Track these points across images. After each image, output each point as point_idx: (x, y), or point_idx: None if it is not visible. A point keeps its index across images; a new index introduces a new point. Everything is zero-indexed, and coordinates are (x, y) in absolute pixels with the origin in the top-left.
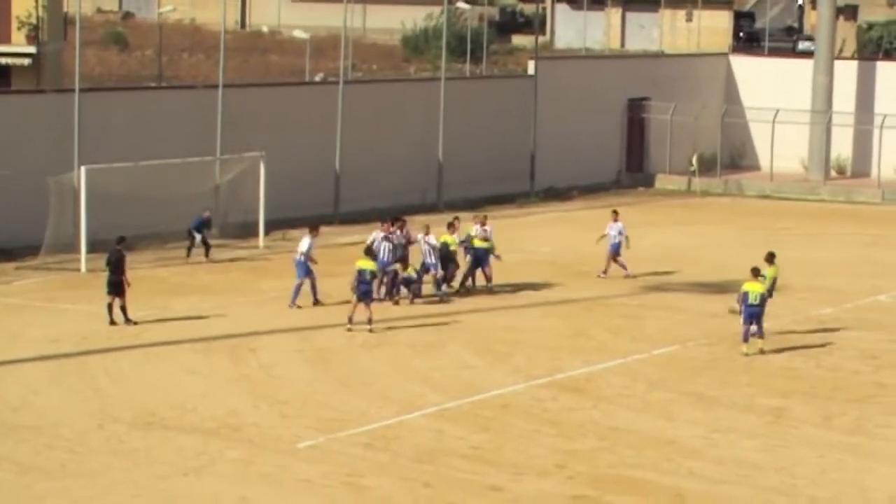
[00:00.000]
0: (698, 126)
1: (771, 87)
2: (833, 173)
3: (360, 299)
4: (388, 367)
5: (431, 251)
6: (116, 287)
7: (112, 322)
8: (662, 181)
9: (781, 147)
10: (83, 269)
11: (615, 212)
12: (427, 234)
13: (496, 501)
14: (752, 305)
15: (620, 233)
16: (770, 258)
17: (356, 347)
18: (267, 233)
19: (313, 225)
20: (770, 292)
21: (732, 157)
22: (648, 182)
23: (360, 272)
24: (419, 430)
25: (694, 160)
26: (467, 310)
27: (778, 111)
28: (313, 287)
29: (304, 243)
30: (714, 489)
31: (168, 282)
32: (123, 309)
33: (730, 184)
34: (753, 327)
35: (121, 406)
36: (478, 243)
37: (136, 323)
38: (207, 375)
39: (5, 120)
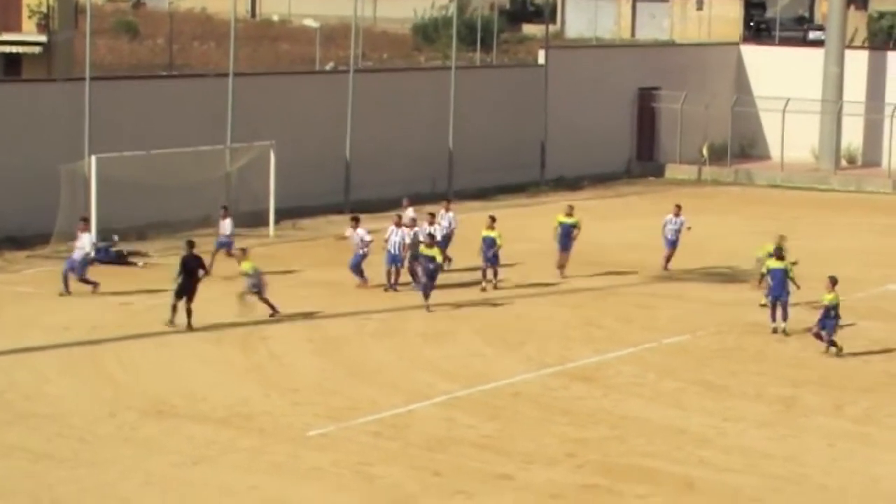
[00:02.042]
0: (709, 115)
1: (782, 77)
2: (843, 163)
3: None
4: (399, 355)
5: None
6: (188, 291)
7: (171, 322)
8: (673, 170)
9: (792, 136)
10: (93, 256)
11: (678, 206)
12: (431, 223)
13: (506, 490)
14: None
15: (679, 229)
16: (778, 254)
17: (366, 336)
18: (277, 222)
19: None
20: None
21: (743, 146)
22: (659, 171)
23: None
24: (429, 419)
25: (704, 150)
26: (478, 299)
27: (788, 101)
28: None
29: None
30: (724, 478)
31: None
32: (189, 312)
33: (740, 173)
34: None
35: (132, 395)
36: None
37: (193, 329)
38: (218, 364)
39: (16, 108)
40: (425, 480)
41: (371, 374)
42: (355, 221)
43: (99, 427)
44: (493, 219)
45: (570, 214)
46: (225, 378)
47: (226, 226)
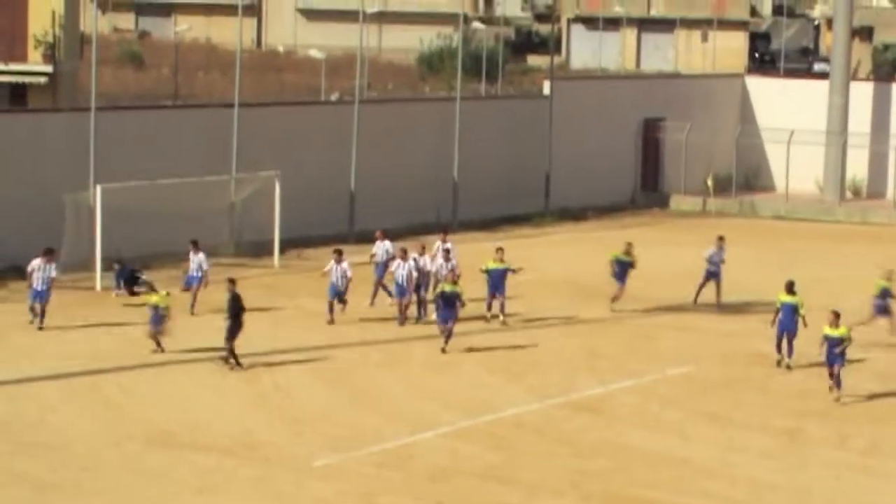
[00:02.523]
0: (714, 146)
1: (786, 108)
2: (849, 194)
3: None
4: (403, 385)
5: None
6: (235, 330)
7: (237, 365)
8: (677, 201)
9: (797, 168)
10: (98, 286)
11: (721, 238)
12: (422, 253)
13: None
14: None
15: (722, 260)
16: (790, 288)
17: (371, 366)
18: (282, 251)
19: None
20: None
21: (747, 177)
22: (663, 202)
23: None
24: (433, 449)
25: (709, 181)
26: (481, 329)
27: (793, 132)
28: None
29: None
30: None
31: (183, 299)
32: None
33: (745, 204)
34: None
35: (136, 424)
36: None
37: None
38: (222, 393)
39: (22, 138)
40: None
41: (375, 403)
42: (338, 254)
43: (103, 456)
44: (501, 250)
45: (501, 260)
46: (229, 407)
47: (200, 260)
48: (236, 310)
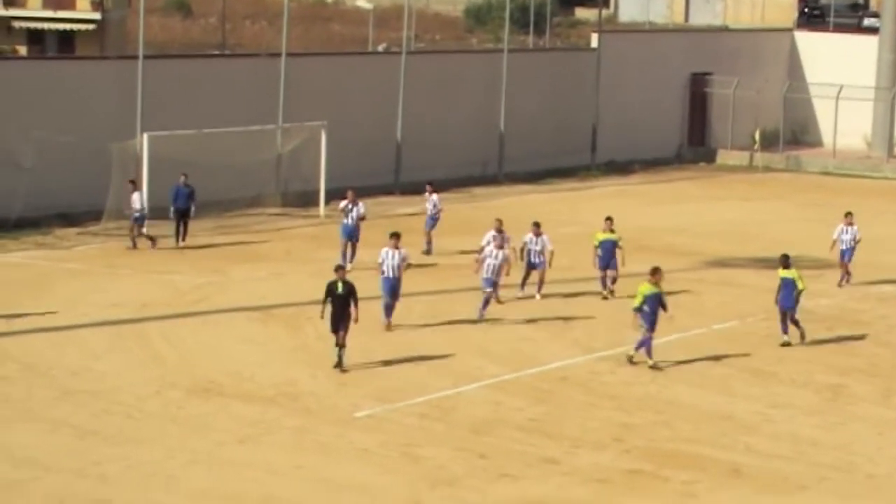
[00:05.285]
0: (761, 101)
1: (835, 63)
2: None
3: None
4: (447, 339)
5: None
6: (344, 321)
7: (339, 365)
8: (724, 156)
9: (844, 123)
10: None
11: (849, 214)
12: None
13: (552, 474)
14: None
15: (854, 238)
16: (785, 263)
17: (414, 318)
18: (328, 202)
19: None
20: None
21: (795, 132)
22: (710, 157)
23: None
24: (476, 402)
25: (756, 135)
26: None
27: (842, 87)
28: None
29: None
30: (771, 465)
31: (227, 249)
32: (342, 346)
33: (791, 160)
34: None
35: (179, 373)
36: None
37: (344, 371)
38: (265, 344)
39: (69, 86)
40: (471, 463)
41: (419, 356)
42: (396, 238)
43: (146, 404)
44: (610, 220)
45: (611, 230)
46: (272, 358)
47: (135, 199)
48: (339, 298)
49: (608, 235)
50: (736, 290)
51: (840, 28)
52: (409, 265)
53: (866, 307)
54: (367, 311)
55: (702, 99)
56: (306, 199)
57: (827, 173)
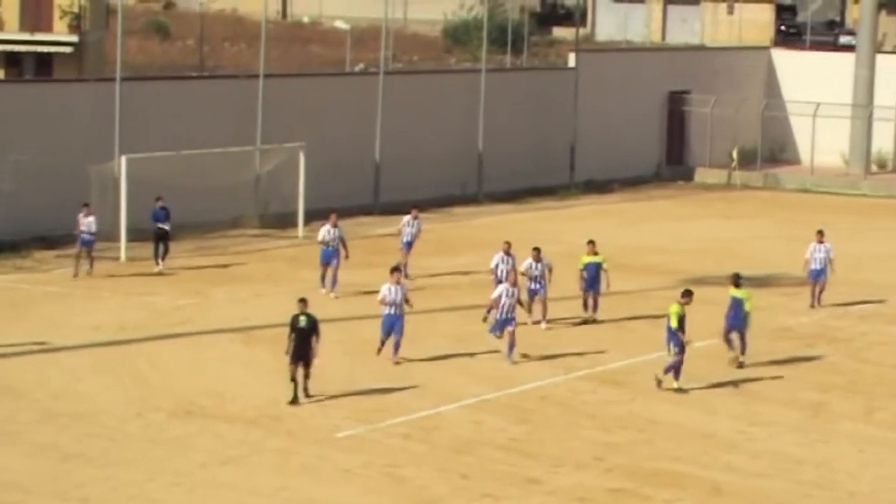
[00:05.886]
0: (739, 119)
1: (812, 81)
2: (874, 167)
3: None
4: (428, 359)
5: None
6: (305, 355)
7: (294, 401)
8: (702, 174)
9: (822, 141)
10: (122, 257)
11: (820, 231)
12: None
13: (534, 493)
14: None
15: (828, 256)
16: (736, 282)
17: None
18: (306, 223)
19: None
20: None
21: (773, 150)
22: (688, 175)
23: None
24: (458, 421)
25: (734, 153)
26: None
27: (819, 105)
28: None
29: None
30: (752, 483)
31: (207, 271)
32: (307, 377)
33: (770, 177)
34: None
35: (161, 394)
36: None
37: (310, 396)
38: (247, 365)
39: (47, 108)
40: (453, 483)
41: (400, 376)
42: (398, 272)
43: (128, 426)
44: (592, 243)
45: (594, 252)
46: (254, 378)
47: (90, 223)
48: (301, 332)
49: (592, 258)
50: (715, 308)
51: (817, 46)
52: (411, 304)
53: (846, 324)
54: (354, 333)
55: (680, 117)
56: (285, 221)
57: (805, 191)
